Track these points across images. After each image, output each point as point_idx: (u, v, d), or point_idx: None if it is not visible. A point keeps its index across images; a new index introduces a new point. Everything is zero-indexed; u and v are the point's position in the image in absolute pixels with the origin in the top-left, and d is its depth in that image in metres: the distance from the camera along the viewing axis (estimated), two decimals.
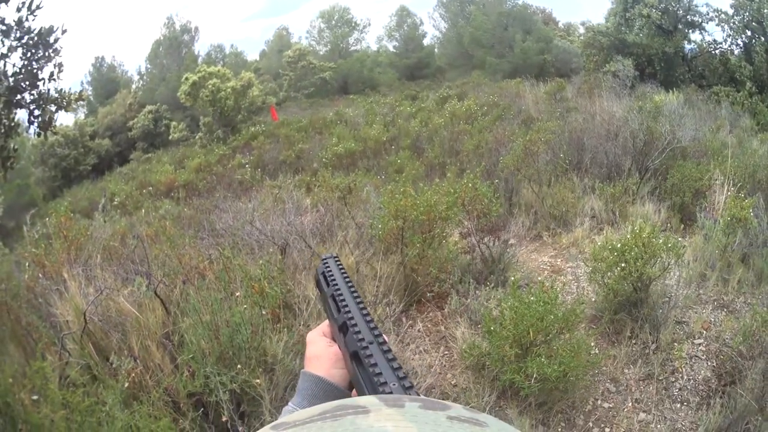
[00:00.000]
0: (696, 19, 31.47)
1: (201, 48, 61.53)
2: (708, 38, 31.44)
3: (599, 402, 7.17)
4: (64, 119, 51.50)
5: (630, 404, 7.11)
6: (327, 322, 1.57)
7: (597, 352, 7.71)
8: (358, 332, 1.30)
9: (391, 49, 59.22)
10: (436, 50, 58.18)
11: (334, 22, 60.08)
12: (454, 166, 15.25)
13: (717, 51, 30.83)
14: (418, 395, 1.04)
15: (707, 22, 31.08)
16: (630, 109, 17.20)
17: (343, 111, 33.14)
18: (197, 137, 37.32)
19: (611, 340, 8.11)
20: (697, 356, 7.77)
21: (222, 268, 7.97)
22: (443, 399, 3.41)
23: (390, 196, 9.32)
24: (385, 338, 1.29)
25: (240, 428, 5.54)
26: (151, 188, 23.24)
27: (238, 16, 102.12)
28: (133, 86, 51.54)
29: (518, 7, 51.72)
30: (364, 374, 1.25)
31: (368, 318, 1.36)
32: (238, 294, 7.16)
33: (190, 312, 6.63)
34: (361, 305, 1.41)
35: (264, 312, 6.77)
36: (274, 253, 9.12)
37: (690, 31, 32.05)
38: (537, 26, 50.82)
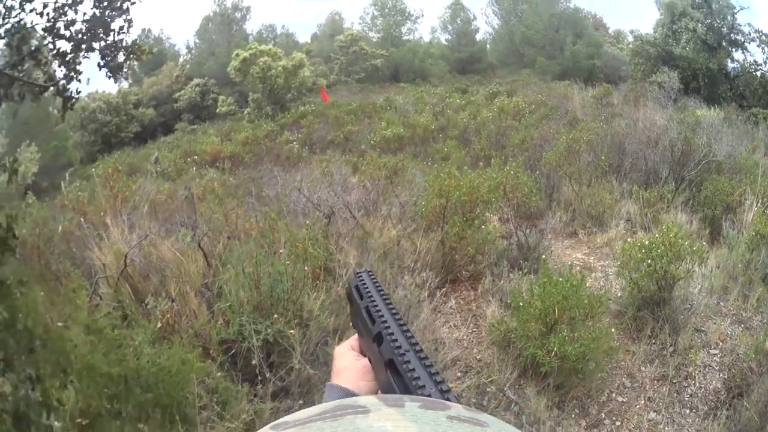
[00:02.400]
0: (739, 38, 31.25)
1: (252, 26, 61.42)
2: (750, 59, 31.08)
3: (614, 395, 7.39)
4: (107, 86, 51.60)
5: (642, 402, 7.31)
6: (356, 336, 1.57)
7: (617, 344, 7.86)
8: (395, 340, 1.29)
9: (444, 41, 59.20)
10: (488, 46, 58.02)
11: (387, 10, 59.84)
12: (498, 159, 15.45)
13: (758, 72, 30.48)
14: (458, 400, 1.04)
15: (749, 42, 30.81)
16: (671, 119, 17.41)
17: (394, 98, 33.34)
18: (245, 112, 37.57)
19: (632, 337, 8.33)
20: (710, 366, 7.93)
21: (267, 227, 8.26)
22: (467, 372, 4.98)
23: (435, 175, 9.79)
24: (422, 347, 1.27)
25: (267, 374, 5.72)
26: (196, 157, 23.47)
27: None
28: (181, 59, 51.73)
29: (570, 11, 51.69)
30: (400, 382, 1.24)
31: (404, 327, 1.34)
32: (282, 251, 7.42)
33: (233, 262, 6.86)
34: (397, 316, 1.38)
35: (306, 268, 7.00)
36: (319, 219, 9.47)
37: (733, 49, 31.80)
38: (588, 31, 50.81)
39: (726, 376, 7.61)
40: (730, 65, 31.74)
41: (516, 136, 18.16)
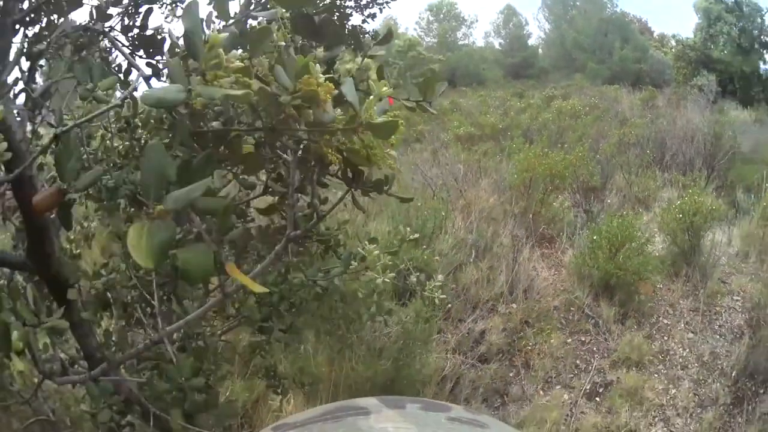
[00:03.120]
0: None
1: None
2: None
3: (661, 318, 9.74)
4: None
5: (682, 325, 9.59)
6: None
7: (661, 286, 10.60)
8: None
9: (497, 46, 60.04)
10: (539, 51, 58.93)
11: (442, 15, 60.71)
12: (561, 153, 17.70)
13: None
14: None
15: None
16: (703, 118, 19.67)
17: (458, 101, 34.09)
18: None
19: (672, 279, 10.73)
20: (734, 308, 10.07)
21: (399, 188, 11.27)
22: (556, 294, 9.36)
23: (525, 155, 12.97)
24: None
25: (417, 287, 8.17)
26: None
27: None
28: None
29: (617, 15, 52.68)
30: None
31: None
32: (420, 204, 10.43)
33: (385, 207, 10.13)
34: None
35: (443, 213, 10.11)
36: (431, 190, 12.54)
37: (765, 51, 32.64)
38: (634, 35, 51.64)
39: (747, 317, 9.55)
40: (763, 67, 32.57)
41: (574, 134, 20.15)
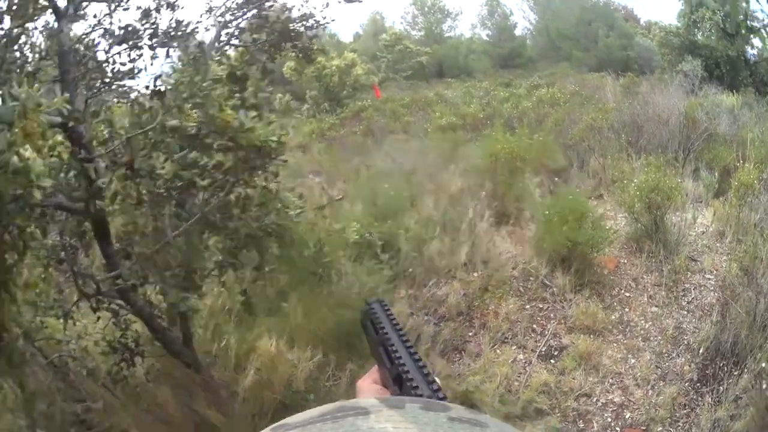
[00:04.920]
0: (755, 24, 31.45)
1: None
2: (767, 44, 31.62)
3: (622, 291, 10.22)
4: None
5: (645, 299, 10.05)
6: (376, 368, 1.49)
7: (625, 261, 11.16)
8: (416, 387, 1.22)
9: (485, 37, 59.90)
10: (527, 41, 58.92)
11: (427, 8, 61.26)
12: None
13: None
14: None
15: (765, 28, 31.25)
16: (682, 103, 19.88)
17: (443, 92, 34.93)
18: (303, 109, 37.76)
19: (635, 255, 11.24)
20: (705, 286, 10.42)
21: (370, 174, 12.44)
22: (516, 266, 10.54)
23: (488, 140, 13.90)
24: (443, 392, 1.21)
25: (383, 257, 8.97)
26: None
27: None
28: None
29: (600, 3, 53.18)
30: None
31: (425, 370, 1.28)
32: (387, 186, 11.37)
33: (358, 190, 11.15)
34: (416, 355, 1.33)
35: (405, 194, 11.25)
36: (404, 174, 13.37)
37: (752, 36, 31.90)
38: (619, 23, 51.57)
39: (719, 295, 9.71)
40: (750, 51, 31.96)
41: (551, 121, 20.57)
